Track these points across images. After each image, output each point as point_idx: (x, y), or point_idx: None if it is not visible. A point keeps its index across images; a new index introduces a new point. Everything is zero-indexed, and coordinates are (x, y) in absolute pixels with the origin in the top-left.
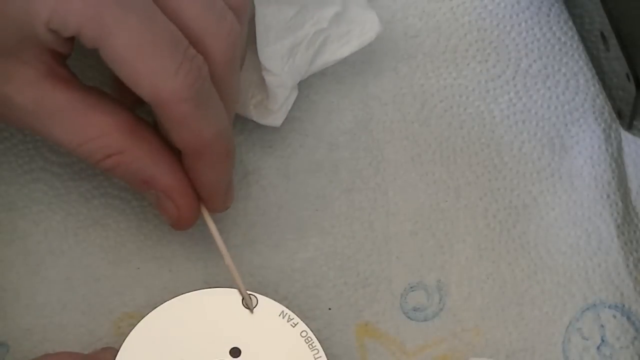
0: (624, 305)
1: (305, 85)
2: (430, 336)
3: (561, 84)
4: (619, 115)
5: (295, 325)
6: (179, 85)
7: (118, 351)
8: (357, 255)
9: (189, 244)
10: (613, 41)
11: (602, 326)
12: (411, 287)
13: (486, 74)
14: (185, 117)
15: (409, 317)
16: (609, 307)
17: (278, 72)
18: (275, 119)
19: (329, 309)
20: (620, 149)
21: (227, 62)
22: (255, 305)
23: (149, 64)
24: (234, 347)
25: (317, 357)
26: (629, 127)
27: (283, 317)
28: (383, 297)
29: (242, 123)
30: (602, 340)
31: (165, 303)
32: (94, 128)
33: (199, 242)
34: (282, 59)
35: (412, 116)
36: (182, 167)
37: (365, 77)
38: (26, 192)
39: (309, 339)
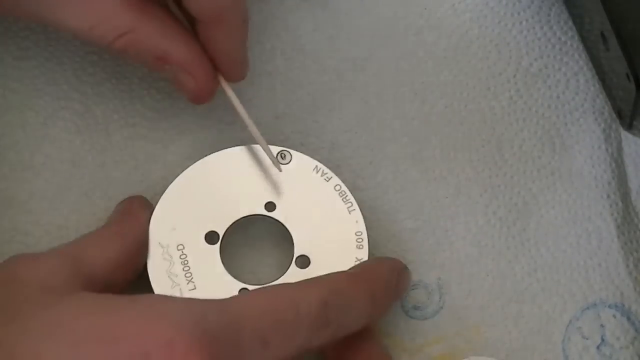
0: (624, 305)
1: (306, 83)
2: (430, 334)
3: (561, 83)
4: (619, 115)
5: (329, 179)
6: None
7: (154, 205)
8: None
9: None
10: (613, 41)
11: (602, 326)
12: (411, 286)
13: (487, 71)
14: None
15: (409, 316)
16: (609, 306)
17: None
18: None
19: None
20: (620, 149)
21: None
22: (290, 161)
23: None
24: (269, 202)
25: (351, 210)
26: (629, 127)
27: (317, 172)
28: None
29: (242, 121)
30: (602, 340)
31: (201, 159)
32: (103, 10)
33: None
34: None
35: (412, 113)
36: (196, 40)
37: (366, 74)
38: (27, 188)
39: (343, 193)
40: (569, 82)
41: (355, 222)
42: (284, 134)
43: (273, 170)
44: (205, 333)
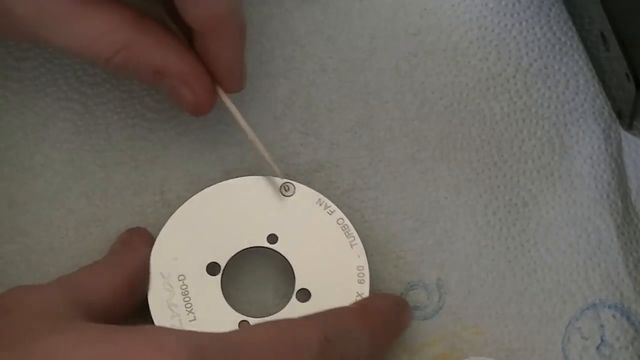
0: (623, 305)
1: (306, 83)
2: (430, 335)
3: (561, 84)
4: (619, 115)
5: (332, 212)
6: None
7: (153, 235)
8: None
9: None
10: (613, 41)
11: (601, 326)
12: (411, 286)
13: (487, 71)
14: None
15: None
16: (609, 307)
17: None
18: None
19: None
20: (620, 149)
21: None
22: (293, 193)
23: None
24: (271, 234)
25: (353, 244)
26: (629, 127)
27: (320, 205)
28: None
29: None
30: (602, 340)
31: (204, 190)
32: (98, 27)
33: None
34: None
35: (412, 114)
36: (193, 53)
37: (366, 75)
38: (27, 188)
39: (346, 227)
40: (569, 83)
41: (357, 256)
42: (283, 134)
43: (276, 202)
44: None
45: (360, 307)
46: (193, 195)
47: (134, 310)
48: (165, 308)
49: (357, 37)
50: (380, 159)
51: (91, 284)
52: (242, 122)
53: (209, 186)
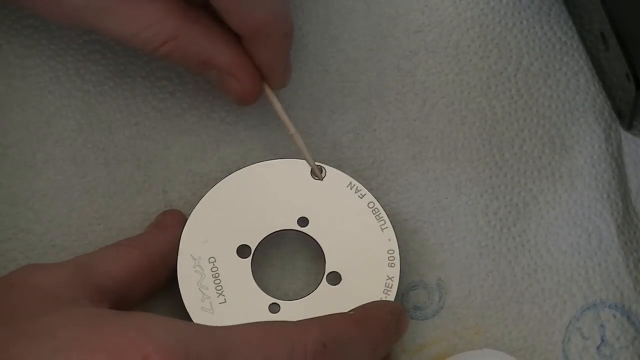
0: (624, 305)
1: (308, 84)
2: (430, 335)
3: (562, 83)
4: (619, 115)
5: (363, 196)
6: None
7: (186, 217)
8: None
9: None
10: (613, 41)
11: (602, 326)
12: (412, 286)
13: (488, 70)
14: (236, 1)
15: (409, 316)
16: (609, 306)
17: None
18: None
19: None
20: (620, 149)
21: None
22: (324, 176)
23: None
24: (301, 217)
25: (384, 228)
26: (629, 127)
27: (351, 188)
28: None
29: (245, 121)
30: (602, 340)
31: (235, 172)
32: (146, 16)
33: None
34: None
35: (413, 113)
36: (241, 45)
37: (369, 75)
38: (29, 186)
39: (376, 210)
40: (569, 82)
41: (387, 240)
42: (286, 134)
43: (307, 185)
44: (185, 355)
45: (359, 315)
46: (194, 195)
47: (157, 290)
48: (195, 290)
49: (359, 37)
50: (382, 159)
51: (106, 264)
52: (284, 116)
53: (211, 186)
